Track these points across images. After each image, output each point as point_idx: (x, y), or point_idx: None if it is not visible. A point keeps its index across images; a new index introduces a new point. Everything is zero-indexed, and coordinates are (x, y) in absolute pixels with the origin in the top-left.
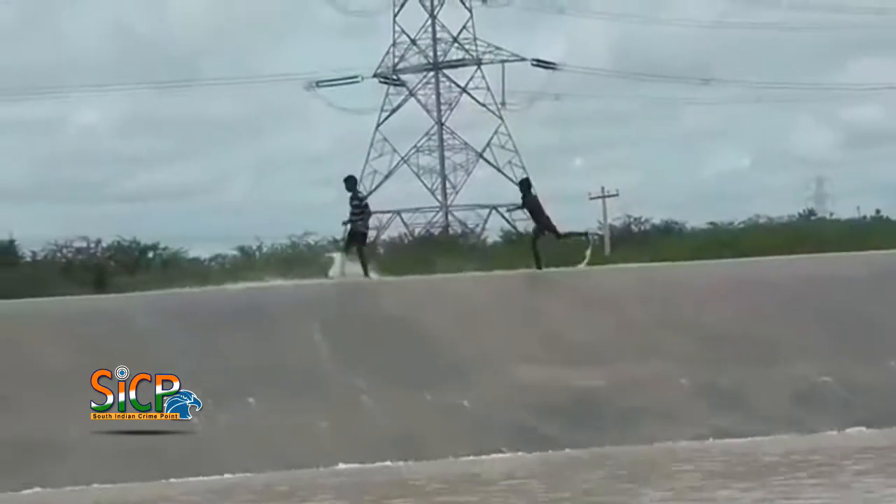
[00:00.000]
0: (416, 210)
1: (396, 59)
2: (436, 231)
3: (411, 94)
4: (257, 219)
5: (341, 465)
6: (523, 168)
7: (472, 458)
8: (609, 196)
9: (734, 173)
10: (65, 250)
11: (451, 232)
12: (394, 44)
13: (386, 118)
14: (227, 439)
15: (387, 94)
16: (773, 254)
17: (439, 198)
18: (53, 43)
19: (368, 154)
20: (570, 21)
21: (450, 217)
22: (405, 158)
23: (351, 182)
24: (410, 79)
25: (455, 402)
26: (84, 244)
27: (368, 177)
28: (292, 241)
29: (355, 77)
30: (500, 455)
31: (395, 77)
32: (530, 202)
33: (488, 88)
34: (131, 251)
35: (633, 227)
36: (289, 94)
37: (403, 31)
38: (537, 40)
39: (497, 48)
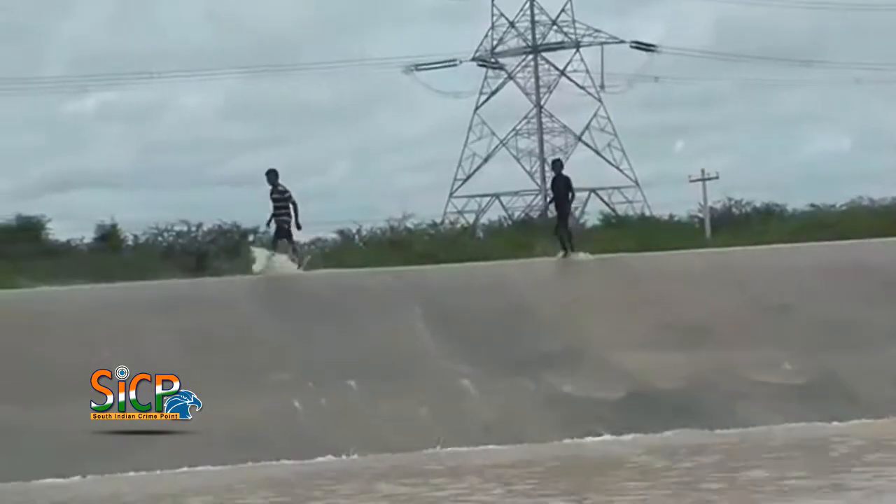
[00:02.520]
0: (515, 193)
1: (495, 43)
2: (535, 214)
3: (510, 77)
4: (356, 202)
5: (441, 449)
6: (622, 151)
7: (573, 441)
8: (709, 179)
9: (835, 155)
10: (165, 234)
11: (550, 215)
12: (492, 27)
13: (484, 101)
14: (328, 423)
15: (485, 78)
16: (876, 236)
17: (538, 181)
18: (153, 29)
19: (467, 137)
20: (669, 3)
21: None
22: (504, 142)
23: (272, 175)
24: (509, 62)
25: (557, 388)
26: (185, 228)
27: (467, 160)
28: (391, 225)
29: (454, 61)
30: (599, 438)
31: (493, 60)
32: (562, 183)
33: (587, 71)
34: (231, 235)
35: (733, 209)
36: (388, 78)
37: (502, 14)
38: (636, 22)
39: (596, 30)
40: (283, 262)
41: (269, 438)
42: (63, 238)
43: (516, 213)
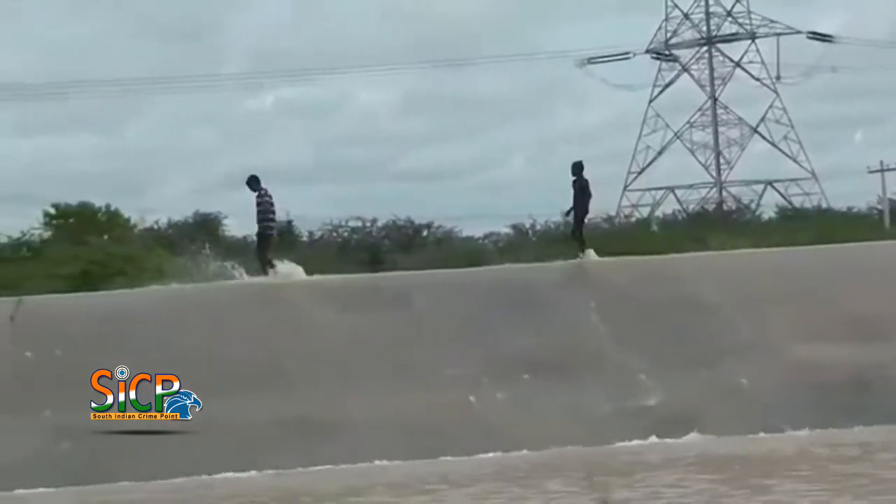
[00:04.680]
0: (690, 186)
1: (669, 35)
2: (710, 207)
3: (684, 69)
4: (531, 197)
5: (619, 443)
6: (799, 143)
7: (756, 435)
8: (889, 170)
9: None
10: (340, 230)
11: (725, 208)
12: (666, 19)
13: (658, 94)
14: (503, 417)
15: (659, 70)
16: None
17: (713, 173)
18: (331, 25)
19: (641, 130)
20: None
21: (724, 193)
22: (678, 134)
23: (254, 182)
24: (683, 54)
25: (733, 381)
26: (359, 223)
27: (641, 153)
28: (566, 220)
29: (627, 53)
30: (782, 434)
31: (667, 53)
32: (582, 185)
33: (763, 62)
34: (406, 230)
35: None
36: (563, 71)
37: (676, 6)
38: (813, 12)
39: (772, 21)
40: (288, 269)
41: (443, 433)
42: (239, 234)
43: (691, 206)
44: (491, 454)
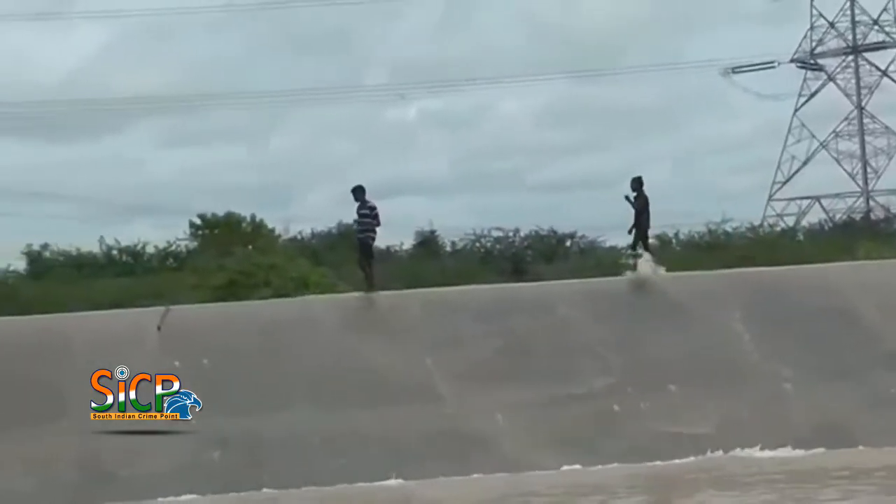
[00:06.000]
0: (836, 196)
1: (814, 44)
2: (857, 217)
3: (830, 78)
4: (675, 206)
5: (760, 453)
6: None
7: None
8: None
9: None
10: (482, 240)
11: (873, 217)
12: (811, 28)
13: (804, 103)
14: (647, 427)
15: (804, 79)
16: None
17: (860, 183)
18: (472, 36)
19: (786, 140)
20: None
21: (871, 202)
22: (824, 144)
23: (360, 192)
24: (829, 63)
25: (885, 391)
26: (501, 234)
27: (786, 163)
28: (709, 228)
29: (771, 62)
30: None
31: (812, 62)
32: (642, 201)
33: None
34: (549, 239)
35: None
36: (706, 81)
37: (821, 15)
38: None
39: None
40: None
41: (587, 442)
42: (383, 245)
43: (837, 216)
44: (635, 464)
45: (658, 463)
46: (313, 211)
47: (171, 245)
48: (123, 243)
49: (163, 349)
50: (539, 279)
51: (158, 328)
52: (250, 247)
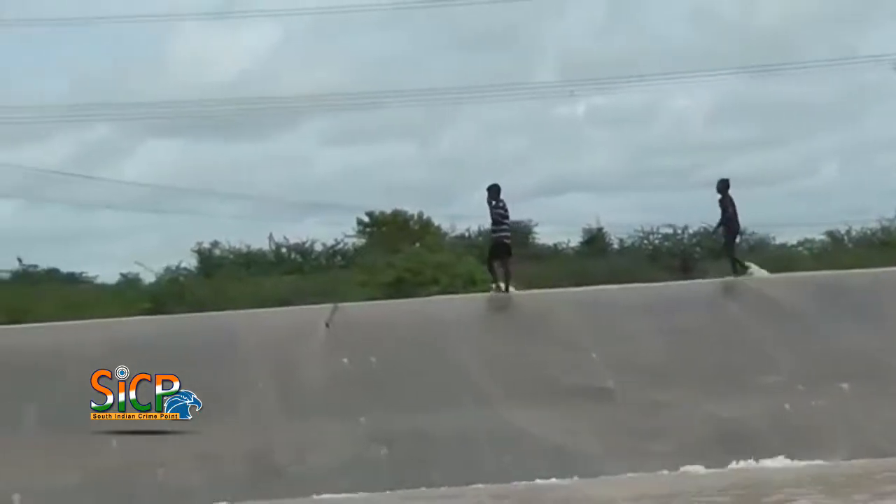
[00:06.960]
0: None
1: None
2: None
3: None
4: (846, 203)
5: None
6: None
7: None
8: None
9: None
10: (651, 237)
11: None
12: None
13: None
14: (819, 425)
15: None
16: None
17: None
18: (641, 31)
19: None
20: None
21: None
22: None
23: (495, 190)
24: None
25: None
26: (670, 231)
27: None
28: (882, 225)
29: None
30: None
31: None
32: (727, 204)
33: None
34: (718, 236)
35: None
36: (879, 75)
37: None
38: None
39: None
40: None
41: (759, 439)
42: (550, 242)
43: None
44: (804, 462)
45: (826, 462)
46: (479, 209)
47: (338, 243)
48: (292, 241)
49: (331, 346)
50: (707, 277)
51: (327, 325)
52: (418, 244)
